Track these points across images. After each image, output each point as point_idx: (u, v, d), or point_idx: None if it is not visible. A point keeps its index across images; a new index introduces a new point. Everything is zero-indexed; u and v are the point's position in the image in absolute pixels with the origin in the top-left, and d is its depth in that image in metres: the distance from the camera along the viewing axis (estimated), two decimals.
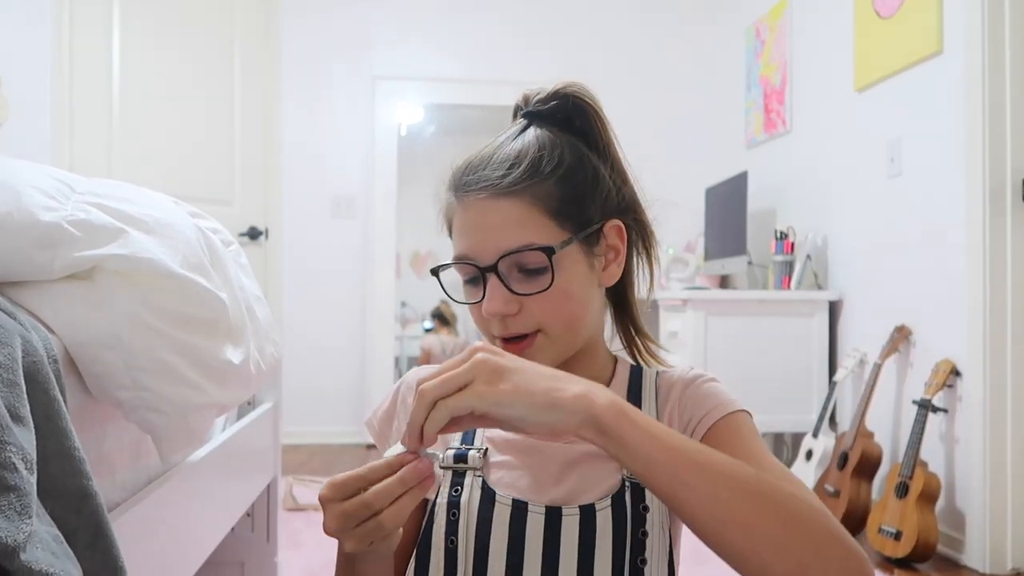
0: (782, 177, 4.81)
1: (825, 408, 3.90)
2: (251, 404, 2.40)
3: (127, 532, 1.17)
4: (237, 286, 1.57)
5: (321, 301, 5.70)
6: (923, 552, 3.14)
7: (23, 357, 0.90)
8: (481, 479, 1.09)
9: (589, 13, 5.84)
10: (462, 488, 1.09)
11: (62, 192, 1.23)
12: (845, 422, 4.02)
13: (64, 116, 4.30)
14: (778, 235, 4.46)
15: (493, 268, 1.04)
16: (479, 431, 1.14)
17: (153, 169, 4.46)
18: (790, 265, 4.39)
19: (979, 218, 3.18)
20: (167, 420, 1.25)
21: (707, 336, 4.21)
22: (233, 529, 2.34)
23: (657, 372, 1.16)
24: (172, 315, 1.26)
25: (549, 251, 1.02)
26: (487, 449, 1.12)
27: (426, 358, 8.22)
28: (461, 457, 1.11)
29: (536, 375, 0.85)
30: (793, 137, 4.74)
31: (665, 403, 1.10)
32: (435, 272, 1.14)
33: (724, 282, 5.24)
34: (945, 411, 3.33)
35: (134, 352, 1.19)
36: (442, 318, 9.03)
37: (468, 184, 1.07)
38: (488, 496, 1.07)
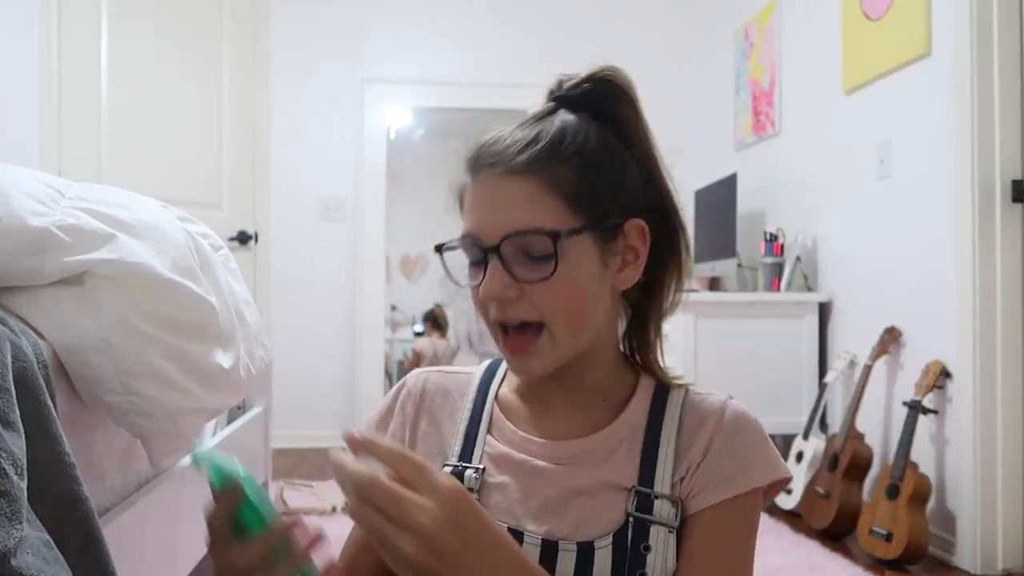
0: (771, 179, 4.82)
1: (815, 410, 3.90)
2: (241, 408, 2.40)
3: (118, 537, 1.16)
4: (227, 290, 1.57)
5: (311, 305, 5.70)
6: (914, 553, 3.14)
7: (13, 362, 0.89)
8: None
9: (578, 16, 5.85)
10: None
11: (51, 197, 1.23)
12: (835, 424, 4.03)
13: (53, 120, 4.29)
14: (768, 237, 4.46)
15: (496, 249, 0.97)
16: (478, 446, 1.07)
17: (142, 173, 4.45)
18: (780, 267, 4.39)
19: (968, 219, 3.19)
20: (157, 424, 1.25)
21: (697, 338, 4.21)
22: None
23: (686, 391, 1.07)
24: (162, 319, 1.25)
25: (555, 236, 0.95)
26: (484, 469, 1.05)
27: (416, 360, 8.19)
28: (457, 476, 1.04)
29: None
30: (782, 139, 4.75)
31: (694, 433, 1.01)
32: (439, 249, 1.06)
33: (714, 284, 5.24)
34: (935, 412, 3.33)
35: (124, 356, 1.18)
36: (435, 321, 9.01)
37: (482, 159, 1.01)
38: None
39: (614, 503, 0.99)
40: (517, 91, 5.70)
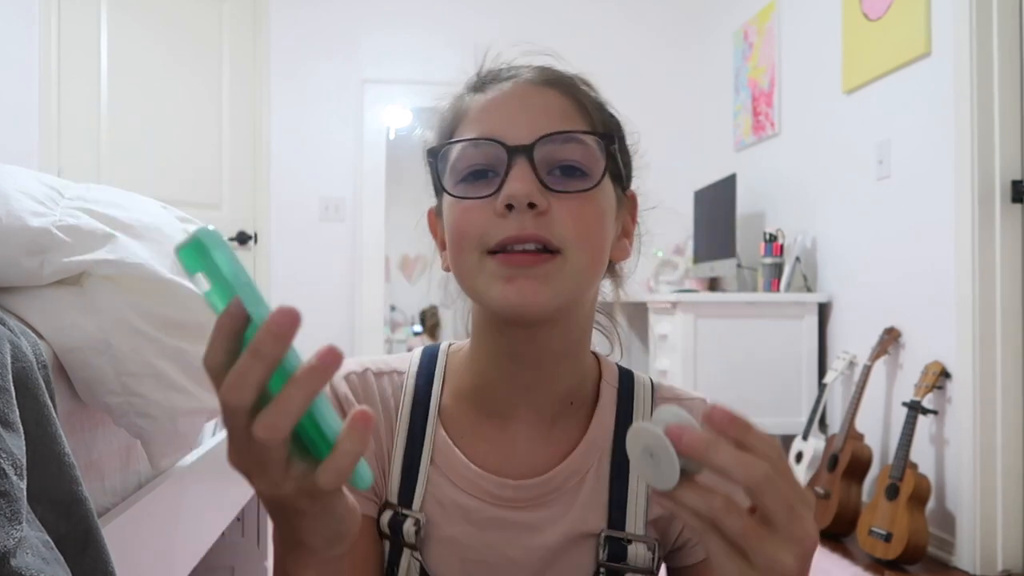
0: (771, 179, 4.82)
1: (815, 410, 3.90)
2: None
3: (117, 537, 1.16)
4: None
5: (310, 305, 5.67)
6: (913, 554, 3.14)
7: (12, 363, 0.89)
8: (419, 564, 0.88)
9: (577, 16, 5.85)
10: (399, 570, 0.89)
11: (51, 197, 1.23)
12: (835, 424, 4.03)
13: (52, 120, 4.29)
14: (767, 237, 4.46)
15: (529, 150, 0.80)
16: (420, 484, 0.89)
17: (141, 173, 4.45)
18: (779, 267, 4.39)
19: (968, 220, 3.19)
20: (156, 425, 1.25)
21: (696, 339, 4.21)
22: (223, 534, 2.33)
23: (653, 383, 0.96)
24: (161, 320, 1.25)
25: (608, 140, 0.82)
26: (426, 520, 0.88)
27: None
28: (396, 527, 0.88)
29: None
30: (782, 139, 4.75)
31: None
32: (434, 152, 0.87)
33: (713, 284, 5.24)
34: (935, 413, 3.33)
35: (123, 357, 1.18)
36: (423, 322, 8.99)
37: (503, 73, 0.88)
38: None
39: (583, 553, 0.87)
40: None
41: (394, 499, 0.89)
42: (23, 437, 0.84)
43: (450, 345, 0.99)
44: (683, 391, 0.94)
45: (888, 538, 3.18)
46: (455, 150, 0.84)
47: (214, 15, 4.86)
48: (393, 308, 9.33)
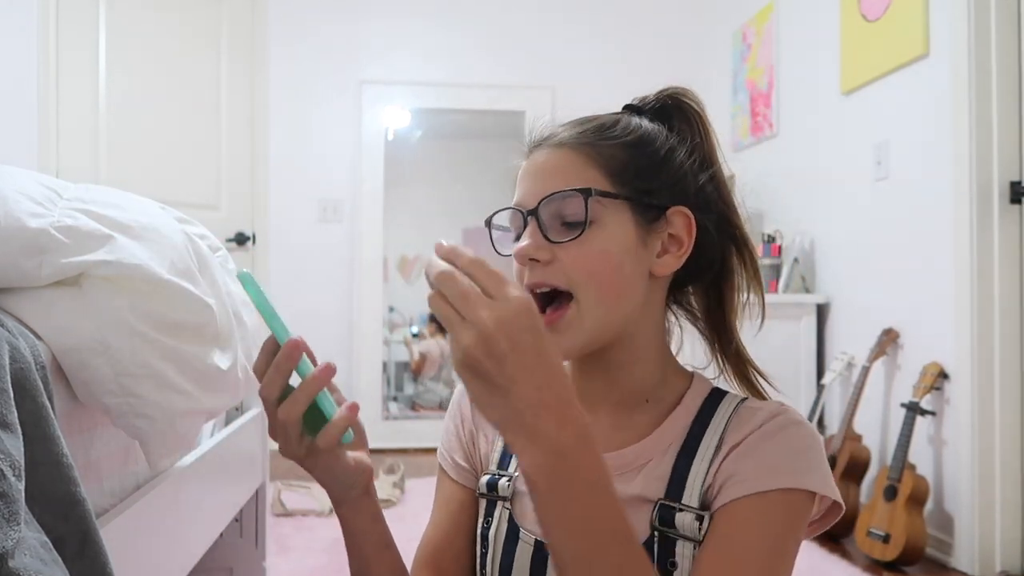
0: (769, 180, 4.81)
1: (813, 411, 3.90)
2: (239, 410, 2.40)
3: (115, 538, 1.16)
4: (224, 291, 1.56)
5: (308, 306, 5.68)
6: (912, 555, 3.15)
7: (11, 364, 0.89)
8: (509, 512, 1.06)
9: (575, 17, 5.85)
10: (492, 520, 1.07)
11: (49, 198, 1.22)
12: (833, 425, 4.03)
13: (51, 121, 4.29)
14: (765, 238, 4.46)
15: (534, 212, 0.99)
16: (515, 456, 1.01)
17: (140, 174, 4.45)
18: (777, 268, 4.40)
19: (966, 220, 3.19)
20: (155, 426, 1.25)
21: (695, 339, 4.20)
22: (222, 535, 2.33)
23: (742, 399, 1.06)
24: (160, 321, 1.25)
25: (585, 193, 0.96)
26: (516, 479, 1.07)
27: (422, 362, 8.15)
28: (492, 485, 1.08)
29: (532, 381, 0.76)
30: (780, 140, 4.75)
31: (733, 433, 0.98)
32: (488, 222, 1.09)
33: None
34: (933, 414, 3.34)
35: (122, 358, 1.18)
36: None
37: (539, 139, 1.05)
38: (513, 532, 1.04)
39: (639, 516, 0.96)
40: (515, 92, 5.70)
41: (494, 466, 1.11)
42: (21, 438, 0.84)
43: None
44: (766, 402, 1.06)
45: (886, 539, 3.18)
46: (502, 214, 1.07)
47: (213, 16, 4.86)
48: (391, 309, 9.31)
